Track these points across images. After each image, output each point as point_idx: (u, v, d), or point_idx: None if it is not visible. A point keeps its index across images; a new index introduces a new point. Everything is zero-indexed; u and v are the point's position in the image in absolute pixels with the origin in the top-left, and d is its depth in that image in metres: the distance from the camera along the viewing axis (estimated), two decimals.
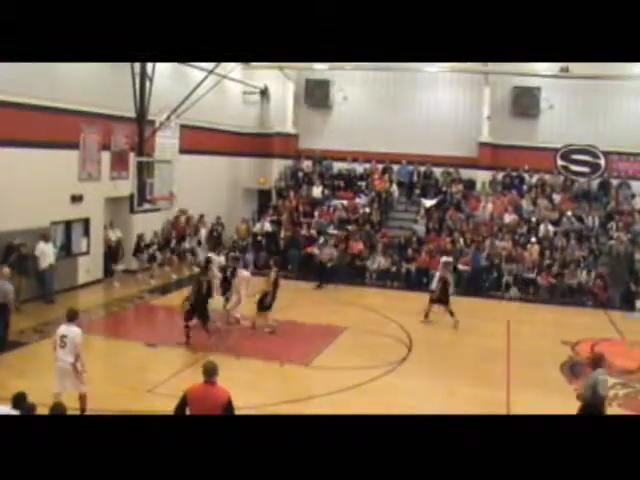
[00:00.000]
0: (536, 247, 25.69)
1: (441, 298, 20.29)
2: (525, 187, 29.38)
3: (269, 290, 18.48)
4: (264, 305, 18.38)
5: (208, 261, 18.87)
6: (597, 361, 11.36)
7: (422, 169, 30.66)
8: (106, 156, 22.89)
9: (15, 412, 8.44)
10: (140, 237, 24.41)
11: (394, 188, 30.27)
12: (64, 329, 11.60)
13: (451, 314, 20.01)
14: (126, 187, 22.54)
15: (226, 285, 19.01)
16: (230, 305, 18.75)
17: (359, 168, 31.29)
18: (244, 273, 19.07)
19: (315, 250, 26.02)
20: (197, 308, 17.05)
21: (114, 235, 24.01)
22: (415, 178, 30.74)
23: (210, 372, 8.55)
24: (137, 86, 21.88)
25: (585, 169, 28.81)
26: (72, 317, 11.74)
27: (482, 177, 30.04)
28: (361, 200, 29.57)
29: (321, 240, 26.25)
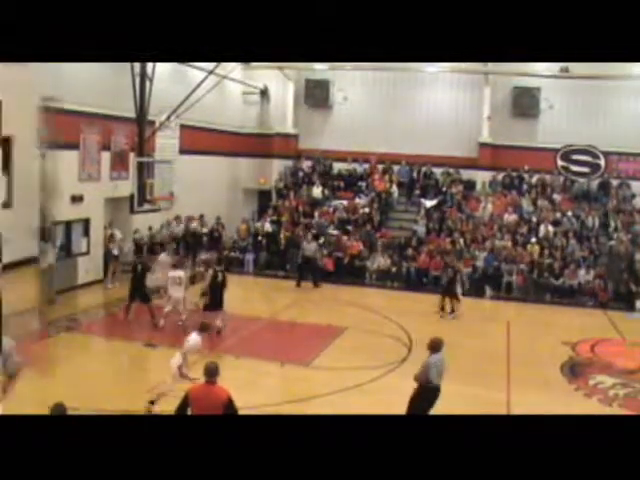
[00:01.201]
0: (536, 247, 25.69)
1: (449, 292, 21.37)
2: (525, 187, 29.39)
3: (206, 290, 18.02)
4: (204, 305, 17.98)
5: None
6: (434, 346, 11.49)
7: (422, 169, 30.67)
8: (106, 156, 22.86)
9: None
10: (135, 232, 24.01)
11: (394, 188, 30.27)
12: (193, 335, 12.43)
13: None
14: (126, 187, 22.51)
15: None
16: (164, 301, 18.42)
17: (359, 168, 31.29)
18: (170, 274, 18.34)
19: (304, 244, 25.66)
20: (135, 289, 18.31)
21: (115, 235, 23.73)
22: (415, 178, 30.74)
23: (212, 372, 8.65)
24: (137, 86, 21.88)
25: (585, 169, 28.81)
26: (203, 329, 12.65)
27: (482, 177, 30.04)
28: (361, 200, 29.57)
29: (309, 237, 26.00)
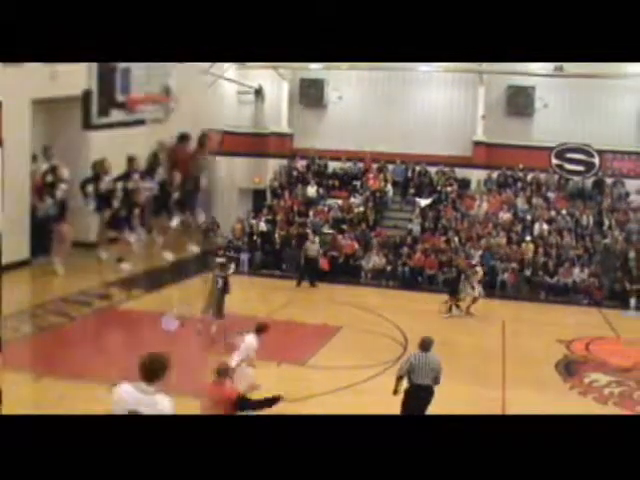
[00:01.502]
0: (531, 246, 25.76)
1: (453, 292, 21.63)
2: (520, 186, 29.42)
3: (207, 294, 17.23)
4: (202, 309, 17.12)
5: None
6: (421, 344, 11.58)
7: (417, 168, 30.65)
8: None
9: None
10: (98, 165, 15.75)
11: (389, 187, 30.27)
12: (248, 337, 11.92)
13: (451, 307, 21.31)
14: None
15: None
16: None
17: (354, 167, 31.26)
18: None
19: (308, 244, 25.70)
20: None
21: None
22: (410, 177, 30.73)
23: (220, 372, 8.67)
24: None
25: (579, 168, 28.81)
26: (260, 329, 12.02)
27: (477, 176, 30.06)
28: (356, 199, 29.56)
29: (311, 236, 26.01)
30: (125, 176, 16.07)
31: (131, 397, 6.31)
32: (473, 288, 21.58)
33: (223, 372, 8.72)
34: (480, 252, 25.30)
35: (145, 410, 6.21)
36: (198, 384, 10.18)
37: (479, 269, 22.25)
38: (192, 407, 10.28)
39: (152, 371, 6.33)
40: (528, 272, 24.97)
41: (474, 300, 21.47)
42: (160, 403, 6.28)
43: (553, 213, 27.57)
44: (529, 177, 29.41)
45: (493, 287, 24.76)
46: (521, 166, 29.48)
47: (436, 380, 11.41)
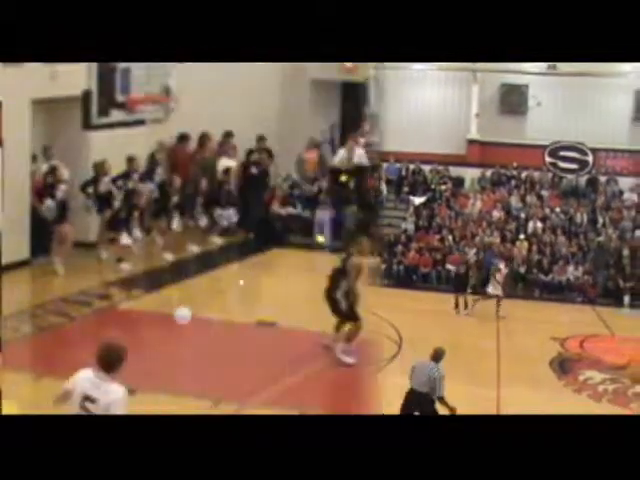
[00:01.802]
0: (525, 244, 25.79)
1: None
2: (513, 184, 29.44)
3: None
4: None
5: None
6: (432, 354, 11.89)
7: (411, 167, 30.61)
8: None
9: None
10: (99, 166, 16.28)
11: (382, 186, 30.23)
12: None
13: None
14: None
15: None
16: None
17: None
18: None
19: None
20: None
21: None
22: (404, 176, 30.69)
23: None
24: None
25: (573, 166, 28.87)
26: None
27: (471, 174, 30.06)
28: None
29: None
30: (124, 175, 16.25)
31: (90, 383, 6.49)
32: (499, 283, 21.60)
33: None
34: (474, 250, 25.32)
35: (100, 397, 6.42)
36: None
37: (502, 266, 22.26)
38: (192, 407, 10.44)
39: (108, 363, 6.61)
40: (522, 270, 24.98)
41: (477, 293, 21.50)
42: (115, 392, 6.50)
43: (547, 211, 27.59)
44: (523, 175, 29.36)
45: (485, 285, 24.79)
46: (515, 164, 29.45)
47: (432, 390, 11.48)
